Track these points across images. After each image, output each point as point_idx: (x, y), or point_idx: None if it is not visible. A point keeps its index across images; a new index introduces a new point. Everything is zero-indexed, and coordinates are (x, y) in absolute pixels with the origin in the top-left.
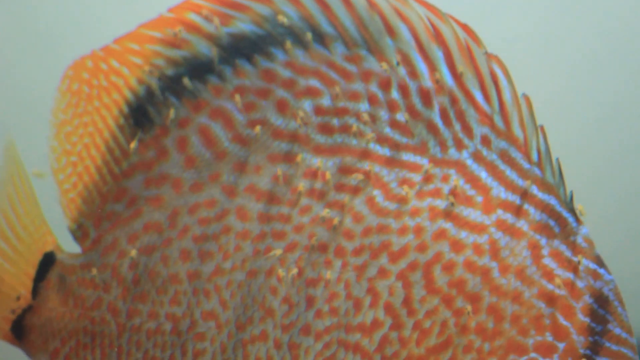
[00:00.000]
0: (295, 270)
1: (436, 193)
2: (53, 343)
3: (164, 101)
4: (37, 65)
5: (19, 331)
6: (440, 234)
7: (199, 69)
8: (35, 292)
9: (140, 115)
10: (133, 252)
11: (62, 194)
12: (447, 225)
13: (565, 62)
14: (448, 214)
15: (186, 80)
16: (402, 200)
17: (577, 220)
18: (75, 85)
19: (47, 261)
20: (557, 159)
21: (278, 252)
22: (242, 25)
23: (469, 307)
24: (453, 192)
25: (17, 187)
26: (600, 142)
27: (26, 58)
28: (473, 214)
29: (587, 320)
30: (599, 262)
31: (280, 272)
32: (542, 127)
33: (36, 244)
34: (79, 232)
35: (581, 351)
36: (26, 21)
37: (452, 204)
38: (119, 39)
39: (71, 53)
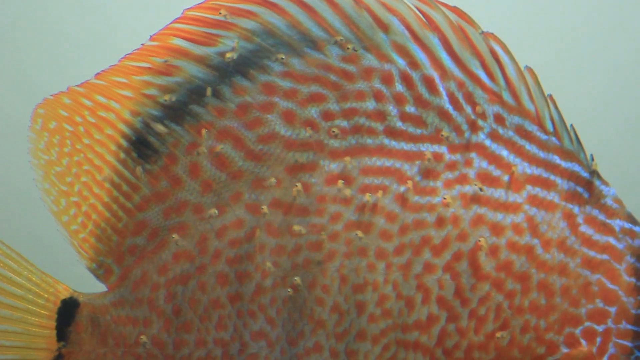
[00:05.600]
0: (338, 279)
1: (463, 179)
2: None
3: (165, 130)
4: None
5: None
6: (478, 220)
7: (196, 92)
8: (64, 339)
9: (142, 147)
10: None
11: (71, 235)
12: (482, 210)
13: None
14: (480, 199)
15: (184, 106)
16: (432, 192)
17: (603, 182)
18: (51, 123)
19: (69, 307)
20: (572, 125)
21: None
22: (231, 43)
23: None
24: (480, 176)
25: None
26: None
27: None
28: (504, 195)
29: (632, 280)
30: (632, 220)
31: (325, 282)
32: (551, 96)
33: (44, 296)
34: (100, 271)
35: (633, 312)
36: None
37: (481, 188)
38: (101, 73)
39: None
